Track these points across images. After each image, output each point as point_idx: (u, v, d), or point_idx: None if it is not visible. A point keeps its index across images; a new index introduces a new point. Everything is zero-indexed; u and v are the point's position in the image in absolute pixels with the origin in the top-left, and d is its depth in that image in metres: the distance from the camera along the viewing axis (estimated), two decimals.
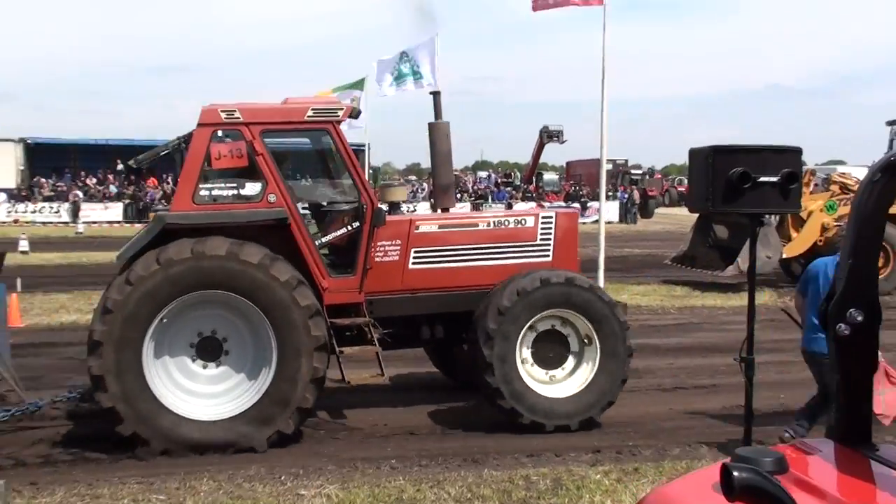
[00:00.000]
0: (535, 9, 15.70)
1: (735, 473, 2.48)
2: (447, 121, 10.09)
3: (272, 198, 8.58)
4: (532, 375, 8.94)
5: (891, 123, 21.84)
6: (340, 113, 8.82)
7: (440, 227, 9.37)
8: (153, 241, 8.25)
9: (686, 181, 50.67)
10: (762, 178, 5.10)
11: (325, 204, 9.63)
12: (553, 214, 9.73)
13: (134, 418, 8.02)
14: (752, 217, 5.46)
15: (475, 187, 54.69)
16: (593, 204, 46.38)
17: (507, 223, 9.54)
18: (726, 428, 8.99)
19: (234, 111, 8.56)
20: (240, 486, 7.26)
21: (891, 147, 22.14)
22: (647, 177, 64.65)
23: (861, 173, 34.31)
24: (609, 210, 42.88)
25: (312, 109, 8.74)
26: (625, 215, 50.04)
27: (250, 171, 8.63)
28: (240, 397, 8.33)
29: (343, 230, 8.93)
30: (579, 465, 7.74)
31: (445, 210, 10.16)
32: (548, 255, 9.55)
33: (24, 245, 27.71)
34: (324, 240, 9.06)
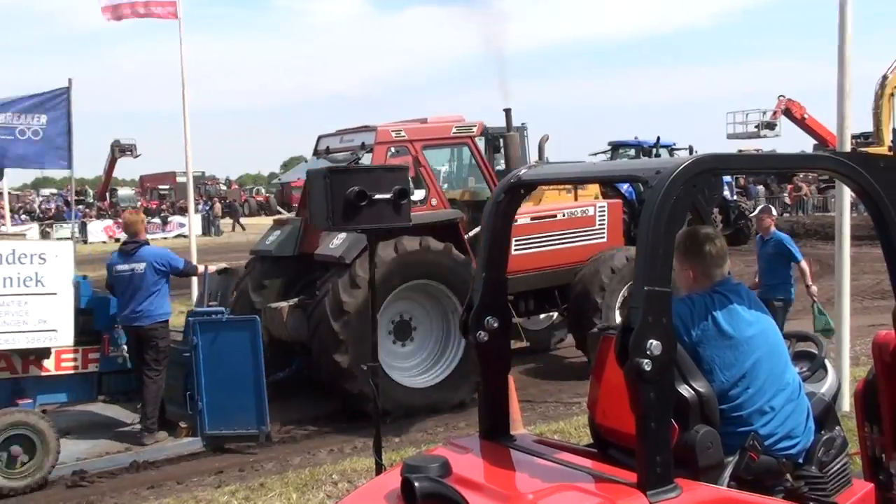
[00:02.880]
0: (108, 18, 15.39)
1: (416, 483, 2.67)
2: (516, 132, 11.60)
3: (434, 201, 10.26)
4: None
5: None
6: (475, 129, 10.77)
7: (531, 219, 11.14)
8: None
9: (263, 190, 51.15)
10: (377, 196, 5.42)
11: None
12: (605, 204, 12.11)
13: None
14: (369, 232, 5.77)
15: (42, 207, 50.64)
16: (174, 218, 45.19)
17: (576, 213, 11.65)
18: (338, 434, 9.35)
19: (401, 130, 10.31)
20: None
21: None
22: (226, 187, 64.49)
23: None
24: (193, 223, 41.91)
25: (455, 127, 10.70)
26: (208, 228, 49.42)
27: (415, 181, 9.88)
28: (433, 368, 10.06)
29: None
30: (204, 490, 7.60)
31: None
32: (603, 237, 11.74)
33: None
34: (470, 234, 10.42)
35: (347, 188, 5.38)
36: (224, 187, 64.51)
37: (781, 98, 36.77)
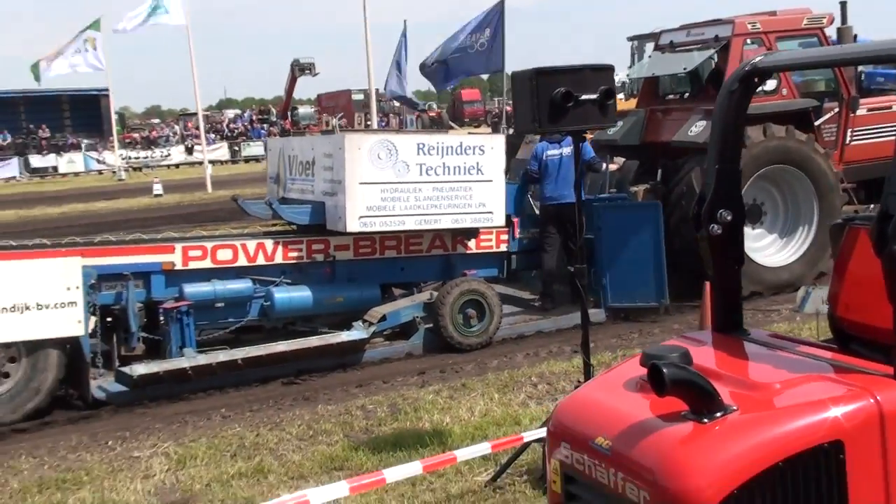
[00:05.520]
0: None
1: (665, 370, 2.69)
2: (850, 26, 11.65)
3: (784, 91, 10.64)
4: None
5: (631, 39, 23.16)
6: (825, 21, 10.92)
7: (868, 110, 11.16)
8: None
9: (434, 106, 51.07)
10: (583, 97, 5.36)
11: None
12: None
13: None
14: (575, 133, 5.73)
15: (230, 126, 53.01)
16: None
17: None
18: (534, 338, 9.52)
19: (756, 23, 10.66)
20: (64, 458, 6.86)
21: (632, 60, 23.50)
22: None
23: None
24: None
25: (807, 19, 10.86)
26: None
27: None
28: (785, 248, 10.65)
29: (830, 114, 10.97)
30: (409, 389, 7.94)
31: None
32: None
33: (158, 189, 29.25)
34: (817, 123, 10.86)
35: (553, 90, 5.33)
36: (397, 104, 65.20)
37: None
